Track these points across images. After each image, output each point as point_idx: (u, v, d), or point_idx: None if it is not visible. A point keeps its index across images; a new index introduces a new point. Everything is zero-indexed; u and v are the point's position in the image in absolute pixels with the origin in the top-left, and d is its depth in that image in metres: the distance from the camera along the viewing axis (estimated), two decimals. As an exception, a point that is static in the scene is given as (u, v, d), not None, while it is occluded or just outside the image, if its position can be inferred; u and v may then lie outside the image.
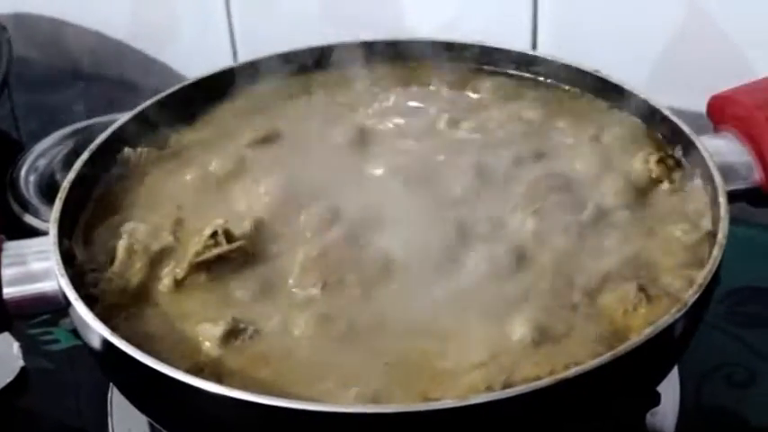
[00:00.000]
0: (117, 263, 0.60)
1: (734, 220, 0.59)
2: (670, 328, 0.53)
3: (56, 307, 0.60)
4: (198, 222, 0.63)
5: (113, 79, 1.11)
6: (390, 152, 0.69)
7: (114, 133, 0.69)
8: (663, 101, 0.68)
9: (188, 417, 0.55)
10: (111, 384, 0.68)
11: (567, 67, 0.73)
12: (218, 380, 0.53)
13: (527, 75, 0.75)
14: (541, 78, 0.74)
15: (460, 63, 0.76)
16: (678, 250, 0.60)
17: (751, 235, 0.79)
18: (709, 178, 0.62)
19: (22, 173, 0.92)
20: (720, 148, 0.66)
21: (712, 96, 0.70)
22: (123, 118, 0.71)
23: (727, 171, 0.63)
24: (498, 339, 0.55)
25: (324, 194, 0.65)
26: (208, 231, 0.60)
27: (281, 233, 0.62)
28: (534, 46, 0.90)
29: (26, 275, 0.60)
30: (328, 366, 0.54)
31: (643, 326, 0.54)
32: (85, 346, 0.58)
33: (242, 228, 0.61)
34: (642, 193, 0.64)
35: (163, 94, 0.73)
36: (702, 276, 0.55)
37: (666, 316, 0.53)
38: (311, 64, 0.77)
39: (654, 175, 0.65)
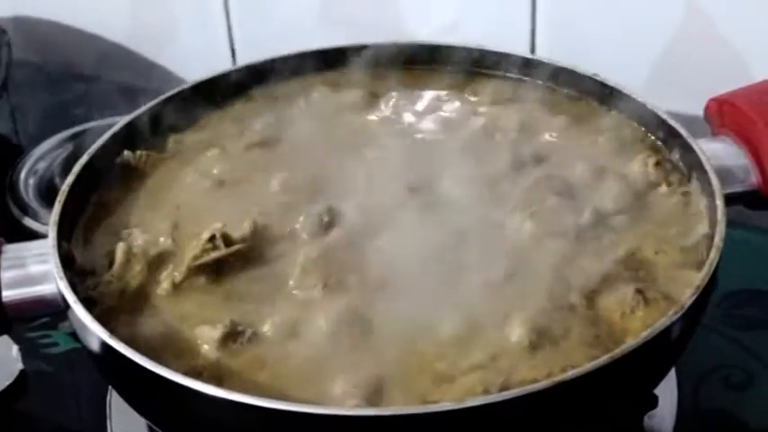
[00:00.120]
0: (116, 266, 0.61)
1: (731, 223, 0.59)
2: (667, 331, 0.53)
3: (55, 310, 0.60)
4: (196, 226, 0.63)
5: (112, 82, 1.11)
6: (389, 155, 0.69)
7: (113, 136, 0.69)
8: (661, 104, 0.69)
9: (186, 419, 0.55)
10: (109, 387, 0.68)
11: (565, 71, 0.73)
12: (217, 382, 0.53)
13: (525, 78, 0.75)
14: (540, 82, 0.75)
15: (459, 66, 0.76)
16: (675, 253, 0.60)
17: (748, 238, 0.79)
18: (706, 181, 0.62)
19: (22, 176, 0.93)
20: (718, 151, 0.66)
21: (710, 100, 0.70)
22: (122, 121, 0.71)
23: (725, 174, 0.64)
24: (496, 342, 0.55)
25: (323, 197, 0.65)
26: (206, 235, 0.60)
27: (280, 236, 0.62)
28: (533, 49, 0.90)
29: (25, 278, 0.60)
30: (327, 369, 0.54)
31: (640, 329, 0.54)
32: (84, 349, 0.58)
33: (241, 231, 0.62)
34: (640, 196, 0.64)
35: (162, 97, 0.73)
36: (699, 279, 0.55)
37: (663, 318, 0.53)
38: (310, 67, 0.77)
39: (651, 179, 0.65)
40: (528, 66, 0.75)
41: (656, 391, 0.63)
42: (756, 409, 0.68)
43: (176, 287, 0.59)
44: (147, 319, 0.58)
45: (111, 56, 1.12)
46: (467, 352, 0.55)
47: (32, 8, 1.15)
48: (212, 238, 0.60)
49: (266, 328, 0.57)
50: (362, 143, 0.70)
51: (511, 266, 0.59)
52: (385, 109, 0.74)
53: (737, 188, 0.66)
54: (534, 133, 0.70)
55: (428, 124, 0.72)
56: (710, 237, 0.59)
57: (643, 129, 0.69)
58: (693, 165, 0.65)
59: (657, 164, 0.65)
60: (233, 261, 0.60)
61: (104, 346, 0.54)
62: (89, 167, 0.66)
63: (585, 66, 0.73)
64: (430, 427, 0.49)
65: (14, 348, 0.74)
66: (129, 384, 0.57)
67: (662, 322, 0.53)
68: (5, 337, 0.72)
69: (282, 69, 0.76)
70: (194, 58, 1.05)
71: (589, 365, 0.50)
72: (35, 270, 0.60)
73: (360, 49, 0.77)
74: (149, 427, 0.66)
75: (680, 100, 0.74)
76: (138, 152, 0.70)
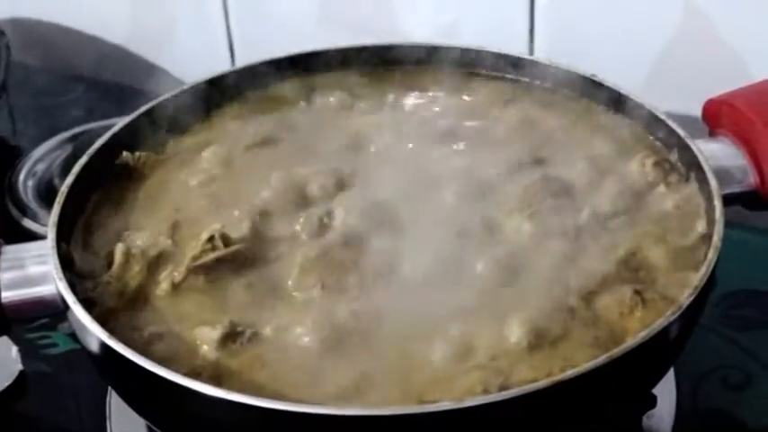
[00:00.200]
0: (115, 266, 0.61)
1: (729, 224, 0.59)
2: (665, 331, 0.53)
3: (54, 310, 0.60)
4: (196, 226, 0.63)
5: (112, 84, 1.11)
6: (388, 156, 0.69)
7: (112, 137, 0.69)
8: (659, 104, 0.69)
9: (186, 420, 0.55)
10: (109, 388, 0.68)
11: (564, 72, 0.73)
12: (216, 383, 0.53)
13: (524, 79, 0.75)
14: (538, 82, 0.75)
15: (457, 67, 0.76)
16: (674, 253, 0.60)
17: (746, 238, 0.79)
18: (704, 181, 0.62)
19: (21, 177, 0.93)
20: (716, 151, 0.66)
21: (708, 100, 0.70)
22: (121, 122, 0.71)
23: (723, 174, 0.64)
24: (495, 342, 0.55)
25: (322, 197, 0.65)
26: (205, 235, 0.60)
27: (279, 236, 0.63)
28: (531, 50, 0.90)
29: (24, 279, 0.60)
30: (326, 369, 0.54)
31: (639, 329, 0.54)
32: (84, 350, 0.59)
33: (239, 231, 0.62)
34: (638, 196, 0.64)
35: (161, 98, 0.73)
36: (698, 279, 0.56)
37: (662, 319, 0.53)
38: (309, 68, 0.77)
39: (650, 179, 0.65)
40: (526, 66, 0.75)
41: (655, 391, 0.63)
42: (755, 409, 0.68)
43: (175, 288, 0.59)
44: (146, 320, 0.58)
45: (110, 57, 1.12)
46: (466, 352, 0.55)
47: (31, 10, 1.15)
48: (211, 239, 0.60)
49: (265, 329, 0.57)
50: (361, 144, 0.70)
51: (510, 267, 0.59)
52: (384, 110, 0.74)
53: (736, 188, 0.66)
54: (533, 134, 0.70)
55: (426, 125, 0.72)
56: (709, 237, 0.59)
57: (641, 129, 0.69)
58: (692, 165, 0.65)
59: (656, 164, 0.65)
60: (232, 262, 0.60)
61: (104, 346, 0.54)
62: (88, 168, 0.66)
63: (584, 66, 0.73)
64: (429, 427, 0.49)
65: (14, 349, 0.74)
66: (129, 385, 0.57)
67: (660, 322, 0.53)
68: (5, 338, 0.72)
69: (281, 70, 0.76)
70: (193, 59, 1.05)
71: (588, 365, 0.51)
72: (34, 271, 0.60)
73: (358, 49, 0.77)
74: (149, 428, 0.66)
75: (678, 100, 0.74)
76: (138, 153, 0.70)
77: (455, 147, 0.69)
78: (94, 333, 0.55)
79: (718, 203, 0.60)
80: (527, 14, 0.88)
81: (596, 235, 0.61)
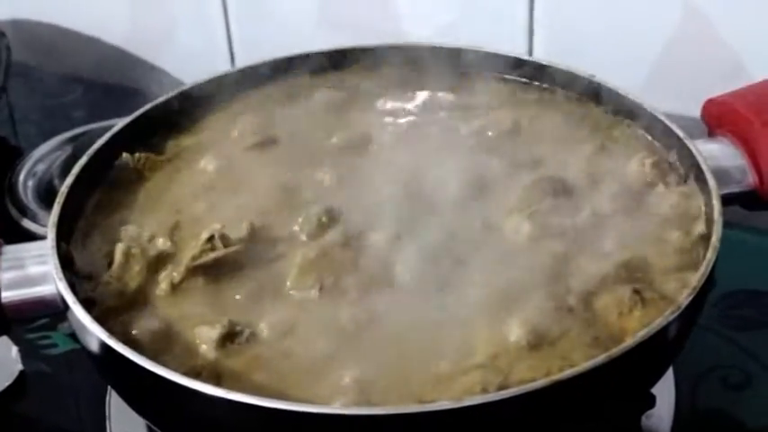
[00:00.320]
0: (115, 267, 0.61)
1: (728, 224, 0.59)
2: (664, 331, 0.53)
3: (54, 310, 0.60)
4: (195, 226, 0.63)
5: (112, 84, 1.11)
6: (387, 155, 0.69)
7: (112, 138, 0.70)
8: (659, 105, 0.69)
9: (185, 419, 0.55)
10: (109, 388, 0.68)
11: (563, 72, 0.73)
12: (216, 382, 0.53)
13: (523, 79, 0.75)
14: (537, 83, 0.75)
15: (457, 67, 0.76)
16: (673, 253, 0.60)
17: (745, 238, 0.79)
18: (703, 182, 0.63)
19: (21, 178, 0.93)
20: (714, 151, 0.67)
21: (707, 101, 0.70)
22: (121, 123, 0.71)
23: (722, 174, 0.64)
24: (494, 342, 0.55)
25: (321, 198, 0.65)
26: (204, 236, 0.61)
27: (279, 237, 0.63)
28: (530, 51, 0.90)
29: (24, 279, 0.60)
30: (324, 368, 0.54)
31: (638, 328, 0.54)
32: (83, 350, 0.59)
33: (239, 232, 0.62)
34: (637, 196, 0.64)
35: (161, 99, 0.73)
36: (696, 279, 0.56)
37: (660, 318, 0.53)
38: (308, 68, 0.77)
39: (649, 179, 0.65)
40: (525, 66, 0.75)
41: (654, 391, 0.63)
42: (754, 409, 0.68)
43: (175, 288, 0.59)
44: (146, 320, 0.58)
45: (109, 58, 1.12)
46: (465, 352, 0.55)
47: (31, 11, 1.15)
48: (211, 239, 0.60)
49: (264, 329, 0.57)
50: (360, 144, 0.70)
51: (509, 267, 0.59)
52: (383, 110, 0.74)
53: (734, 189, 0.66)
54: (532, 134, 0.70)
55: (426, 125, 0.72)
56: (707, 237, 0.59)
57: (641, 129, 0.70)
58: (691, 165, 0.65)
59: (655, 164, 0.66)
60: (231, 262, 0.60)
61: (103, 346, 0.54)
62: (88, 169, 0.67)
63: (583, 67, 0.73)
64: (428, 427, 0.50)
65: (14, 349, 0.74)
66: (129, 384, 0.57)
67: (659, 322, 0.53)
68: (5, 338, 0.72)
69: (281, 71, 0.76)
70: (193, 60, 1.05)
71: (586, 365, 0.51)
72: (34, 271, 0.61)
73: (358, 50, 0.77)
74: (148, 428, 0.66)
75: (677, 101, 0.74)
76: (137, 154, 0.70)
77: (454, 147, 0.69)
78: (94, 333, 0.55)
79: (716, 203, 0.60)
80: (526, 15, 0.89)
81: (595, 235, 0.61)
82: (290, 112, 0.74)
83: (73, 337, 0.61)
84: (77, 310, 0.56)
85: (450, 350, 0.55)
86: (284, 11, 1.00)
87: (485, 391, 0.52)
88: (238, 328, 0.56)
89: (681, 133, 0.66)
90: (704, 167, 0.63)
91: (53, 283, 0.59)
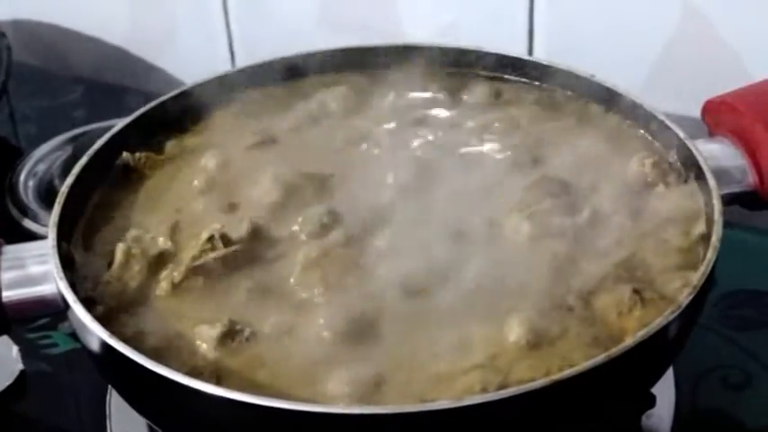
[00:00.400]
0: (115, 266, 0.61)
1: (728, 224, 0.59)
2: (664, 330, 0.53)
3: (55, 310, 0.60)
4: (196, 226, 0.63)
5: (112, 85, 1.12)
6: (387, 155, 0.69)
7: (113, 138, 0.70)
8: (659, 105, 0.69)
9: (186, 418, 0.55)
10: (109, 387, 0.68)
11: (563, 72, 0.73)
12: (216, 381, 0.53)
13: (523, 79, 0.75)
14: (537, 83, 0.75)
15: (457, 68, 0.76)
16: (673, 253, 0.60)
17: (745, 238, 0.79)
18: (703, 181, 0.63)
19: (22, 178, 0.93)
20: (715, 151, 0.67)
21: (707, 101, 0.70)
22: (122, 123, 0.71)
23: (722, 174, 0.64)
24: (494, 341, 0.55)
25: (323, 198, 0.65)
26: (205, 235, 0.61)
27: (279, 237, 0.63)
28: (530, 50, 0.90)
29: (25, 279, 0.61)
30: (325, 368, 0.54)
31: (638, 328, 0.54)
32: (84, 349, 0.59)
33: (239, 231, 0.62)
34: (637, 196, 0.64)
35: (161, 99, 0.73)
36: (697, 278, 0.56)
37: (660, 318, 0.53)
38: (308, 68, 0.77)
39: (649, 179, 0.65)
40: (525, 67, 0.75)
41: (654, 391, 0.63)
42: (754, 409, 0.68)
43: (175, 287, 0.59)
44: (146, 319, 0.58)
45: (110, 58, 1.13)
46: (465, 352, 0.55)
47: (32, 11, 1.15)
48: (211, 239, 0.60)
49: (265, 328, 0.57)
50: (362, 144, 0.71)
51: (509, 267, 0.59)
52: (384, 110, 0.74)
53: (734, 189, 0.66)
54: (532, 134, 0.70)
55: (426, 125, 0.72)
56: (707, 237, 0.59)
57: (641, 129, 0.70)
58: (691, 165, 0.65)
59: (655, 164, 0.65)
60: (232, 261, 0.60)
61: (104, 345, 0.55)
62: (88, 169, 0.67)
63: (583, 67, 0.73)
64: (428, 426, 0.50)
65: (14, 349, 0.74)
66: (129, 384, 0.57)
67: (659, 322, 0.53)
68: (5, 338, 0.72)
69: (281, 71, 0.76)
70: (193, 60, 1.05)
71: (586, 364, 0.51)
72: (35, 270, 0.61)
73: (358, 50, 0.77)
74: (149, 427, 0.66)
75: (678, 101, 0.74)
76: (138, 154, 0.70)
77: (454, 147, 0.69)
78: (95, 332, 0.55)
79: (717, 203, 0.60)
80: (526, 15, 0.89)
81: (595, 235, 0.61)
82: (291, 112, 0.74)
83: (73, 336, 0.61)
84: (78, 310, 0.56)
85: (450, 350, 0.55)
86: (285, 11, 1.00)
87: (484, 390, 0.52)
88: (239, 327, 0.56)
89: (681, 133, 0.66)
90: (704, 167, 0.63)
91: (54, 283, 0.59)
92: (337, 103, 0.75)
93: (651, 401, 0.64)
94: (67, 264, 0.60)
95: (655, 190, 0.65)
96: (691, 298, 0.54)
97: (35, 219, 0.87)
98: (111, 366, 0.57)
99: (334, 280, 0.59)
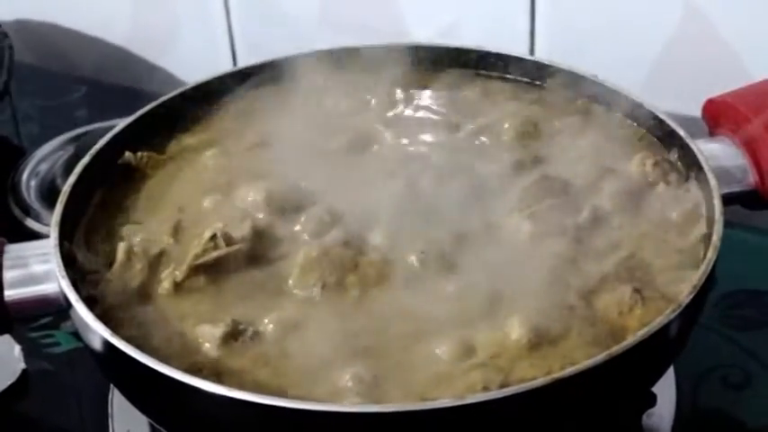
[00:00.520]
0: (117, 265, 0.61)
1: (729, 223, 0.59)
2: (665, 329, 0.53)
3: (57, 309, 0.60)
4: (197, 225, 0.63)
5: (114, 84, 1.12)
6: (388, 155, 0.69)
7: (115, 138, 0.70)
8: (659, 104, 0.69)
9: (188, 417, 0.55)
10: (111, 386, 0.69)
11: (564, 72, 0.73)
12: (218, 380, 0.53)
13: (524, 79, 0.75)
14: (538, 82, 0.75)
15: (458, 67, 0.76)
16: (673, 252, 0.61)
17: (745, 238, 0.79)
18: (704, 181, 0.63)
19: (24, 177, 0.93)
20: (715, 151, 0.67)
21: (707, 100, 0.70)
22: (123, 123, 0.71)
23: (722, 174, 0.64)
24: (495, 341, 0.55)
25: (322, 197, 0.65)
26: (207, 234, 0.61)
27: (281, 236, 0.63)
28: (532, 50, 0.90)
29: (27, 278, 0.61)
30: (327, 367, 0.54)
31: (639, 327, 0.54)
32: (86, 348, 0.59)
33: (241, 230, 0.62)
34: (638, 195, 0.64)
35: (163, 99, 0.73)
36: (697, 278, 0.56)
37: (661, 317, 0.53)
38: (310, 68, 0.77)
39: (650, 179, 0.65)
40: (527, 66, 0.75)
41: (655, 390, 0.63)
42: (754, 408, 0.68)
43: (177, 286, 0.59)
44: (148, 318, 0.58)
45: (112, 58, 1.13)
46: (467, 351, 0.55)
47: (34, 11, 1.16)
48: (213, 238, 0.60)
49: (267, 327, 0.57)
50: (363, 144, 0.71)
51: (510, 266, 0.60)
52: (385, 110, 0.74)
53: (735, 188, 0.66)
54: (532, 134, 0.70)
55: (427, 125, 0.72)
56: (708, 236, 0.59)
57: (641, 129, 0.70)
58: (691, 165, 0.65)
59: (656, 164, 0.66)
60: (234, 260, 0.60)
61: (106, 344, 0.55)
62: (90, 168, 0.67)
63: (584, 66, 0.73)
64: (429, 424, 0.50)
65: (17, 348, 0.74)
66: (131, 382, 0.58)
67: (660, 321, 0.53)
68: (8, 337, 0.72)
69: (283, 71, 0.76)
70: (195, 60, 1.05)
71: (587, 363, 0.51)
72: (37, 269, 0.61)
73: (360, 50, 0.77)
74: (151, 426, 0.66)
75: (678, 100, 0.74)
76: (140, 153, 0.70)
77: (455, 147, 0.70)
78: (97, 331, 0.55)
79: (717, 203, 0.60)
80: (528, 15, 0.89)
81: (596, 234, 0.62)
82: (291, 112, 0.74)
83: (75, 335, 0.61)
84: (80, 309, 0.56)
85: (452, 349, 0.55)
86: (286, 11, 1.00)
87: (486, 389, 0.52)
88: (241, 327, 0.56)
89: (682, 133, 0.66)
90: (705, 167, 0.63)
91: (56, 282, 0.59)
92: (337, 103, 0.75)
93: (652, 400, 0.64)
94: (69, 263, 0.60)
95: (655, 189, 0.65)
96: (691, 297, 0.55)
97: (37, 218, 0.87)
98: (113, 365, 0.57)
99: (335, 280, 0.59)
